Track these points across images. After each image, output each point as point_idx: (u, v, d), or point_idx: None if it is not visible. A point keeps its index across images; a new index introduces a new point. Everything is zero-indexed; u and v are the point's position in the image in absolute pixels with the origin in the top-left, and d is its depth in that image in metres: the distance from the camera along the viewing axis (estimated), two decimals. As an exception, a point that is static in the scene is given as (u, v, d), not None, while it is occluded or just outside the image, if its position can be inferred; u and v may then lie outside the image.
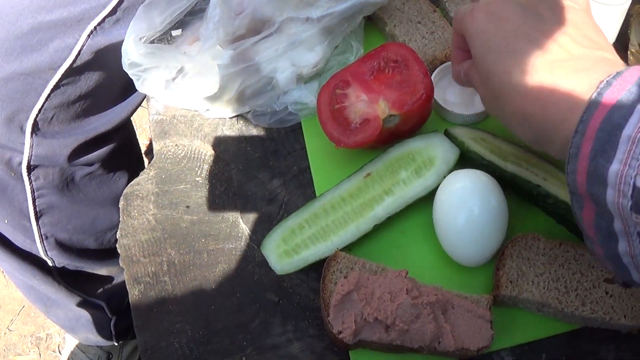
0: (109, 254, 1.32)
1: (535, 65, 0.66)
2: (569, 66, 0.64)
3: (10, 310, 1.96)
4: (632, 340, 0.81)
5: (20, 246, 1.21)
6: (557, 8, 0.71)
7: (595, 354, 0.81)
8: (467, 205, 0.82)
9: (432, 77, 0.98)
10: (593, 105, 0.57)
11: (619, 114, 0.55)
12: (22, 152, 1.06)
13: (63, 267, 1.26)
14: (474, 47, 0.72)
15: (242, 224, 0.92)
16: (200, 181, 0.96)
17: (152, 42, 0.99)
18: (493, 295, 0.80)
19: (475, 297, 0.79)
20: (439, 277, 0.86)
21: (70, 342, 1.72)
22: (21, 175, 1.09)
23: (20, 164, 1.07)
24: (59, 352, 1.88)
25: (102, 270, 1.37)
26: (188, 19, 1.03)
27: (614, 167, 0.54)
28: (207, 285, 0.88)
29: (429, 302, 0.75)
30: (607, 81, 0.58)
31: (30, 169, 1.08)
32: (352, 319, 0.74)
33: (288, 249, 0.87)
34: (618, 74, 0.58)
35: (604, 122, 0.55)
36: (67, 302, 1.36)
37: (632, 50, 1.04)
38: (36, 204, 1.13)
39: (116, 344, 1.57)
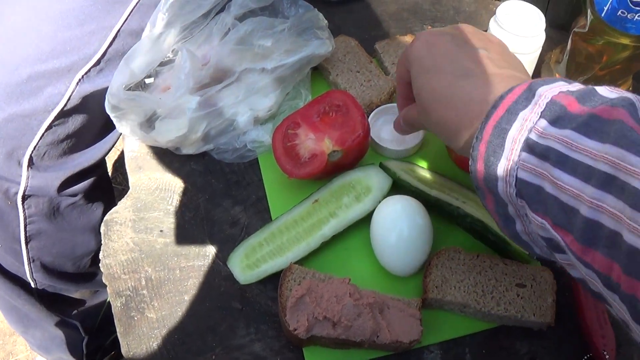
0: (83, 277, 1.35)
1: (454, 81, 0.72)
2: (481, 81, 0.70)
3: (-21, 339, 1.94)
4: (542, 336, 0.88)
5: (8, 268, 1.24)
6: (482, 37, 0.79)
7: (511, 347, 0.88)
8: (397, 226, 0.89)
9: (369, 119, 1.04)
10: (489, 115, 0.64)
11: (506, 120, 0.62)
12: (19, 183, 1.10)
13: (43, 289, 1.29)
14: (412, 72, 0.79)
15: (209, 244, 0.98)
16: (172, 209, 1.02)
17: (130, 89, 1.03)
18: (422, 299, 0.87)
19: (407, 300, 0.86)
20: (376, 284, 0.92)
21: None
22: (16, 204, 1.11)
23: (16, 193, 1.11)
24: (27, 376, 1.86)
25: (76, 294, 1.40)
26: (159, 68, 1.09)
27: (502, 163, 0.62)
28: (180, 296, 0.93)
29: (368, 303, 0.82)
30: (501, 95, 0.64)
31: (24, 198, 1.11)
32: (305, 317, 0.80)
33: (250, 263, 0.93)
34: (511, 88, 0.64)
35: (495, 127, 0.62)
36: (45, 323, 1.37)
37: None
38: (27, 229, 1.16)
39: (85, 365, 1.57)
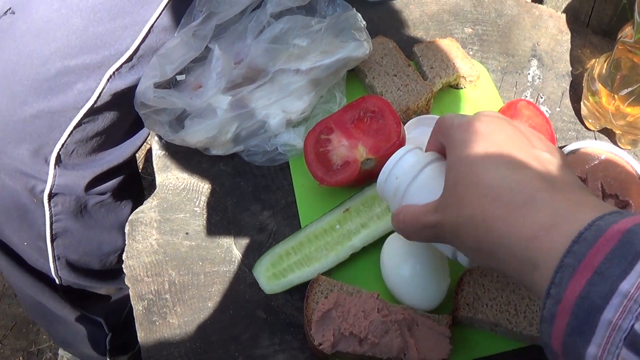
0: (109, 274, 1.34)
1: (510, 175, 0.59)
2: (550, 189, 0.57)
3: (3, 326, 1.95)
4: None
5: (33, 265, 1.23)
6: (540, 136, 0.67)
7: (542, 368, 0.88)
8: (411, 257, 0.86)
9: (405, 127, 1.00)
10: (568, 265, 0.49)
11: (598, 292, 0.46)
12: (45, 181, 1.08)
13: (68, 286, 1.28)
14: (454, 152, 0.65)
15: (235, 249, 0.96)
16: (198, 211, 1.00)
17: (159, 85, 1.02)
18: (452, 316, 0.85)
19: (437, 317, 0.84)
20: (405, 299, 0.89)
21: (63, 358, 1.73)
22: (42, 202, 1.10)
23: (42, 191, 1.09)
24: (50, 366, 1.87)
25: (101, 290, 1.39)
26: (190, 65, 1.07)
27: (592, 350, 0.47)
28: (203, 302, 0.92)
29: (397, 320, 0.81)
30: (585, 236, 0.49)
31: (51, 196, 1.10)
32: (331, 332, 0.79)
33: (276, 272, 0.91)
34: (598, 229, 0.49)
35: (582, 298, 0.47)
36: (69, 318, 1.37)
37: (585, 101, 1.07)
38: (53, 228, 1.15)
39: (108, 359, 1.56)
